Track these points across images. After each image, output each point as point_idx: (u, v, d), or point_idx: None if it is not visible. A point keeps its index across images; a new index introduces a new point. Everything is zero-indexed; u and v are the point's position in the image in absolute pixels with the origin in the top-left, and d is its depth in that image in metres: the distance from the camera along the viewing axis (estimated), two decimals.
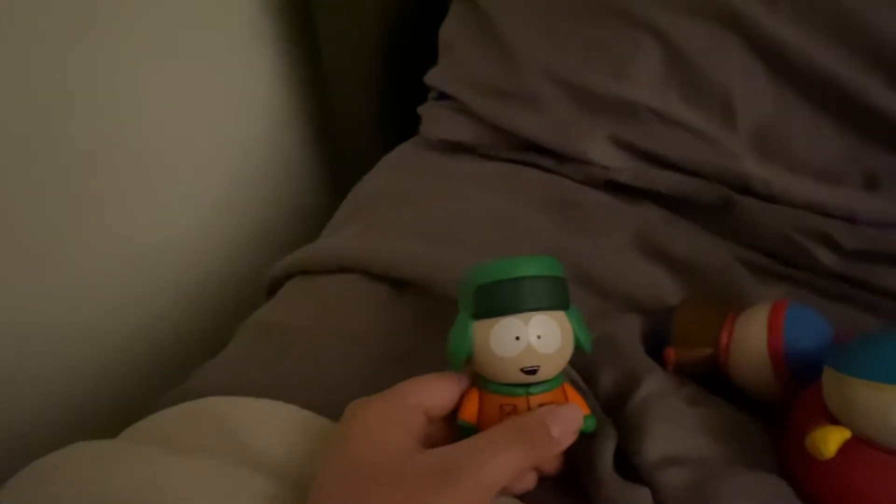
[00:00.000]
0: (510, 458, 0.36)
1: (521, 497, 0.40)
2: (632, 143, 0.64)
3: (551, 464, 0.41)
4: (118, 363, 0.78)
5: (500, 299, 0.39)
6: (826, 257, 0.53)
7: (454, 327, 0.40)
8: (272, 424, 0.45)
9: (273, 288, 0.65)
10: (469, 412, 0.40)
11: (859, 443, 0.38)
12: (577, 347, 0.40)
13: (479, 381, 0.41)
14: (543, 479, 0.41)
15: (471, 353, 0.39)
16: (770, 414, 0.44)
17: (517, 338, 0.38)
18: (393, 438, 0.37)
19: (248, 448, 0.43)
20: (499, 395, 0.40)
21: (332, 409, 0.44)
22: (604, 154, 0.65)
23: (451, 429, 0.42)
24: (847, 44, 0.59)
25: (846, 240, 0.53)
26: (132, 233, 0.77)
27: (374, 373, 0.49)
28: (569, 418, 0.38)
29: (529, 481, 0.40)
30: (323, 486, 0.37)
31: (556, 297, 0.40)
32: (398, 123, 0.84)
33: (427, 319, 0.53)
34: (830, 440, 0.37)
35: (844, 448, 0.37)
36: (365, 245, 0.60)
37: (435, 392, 0.41)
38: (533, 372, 0.38)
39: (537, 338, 0.38)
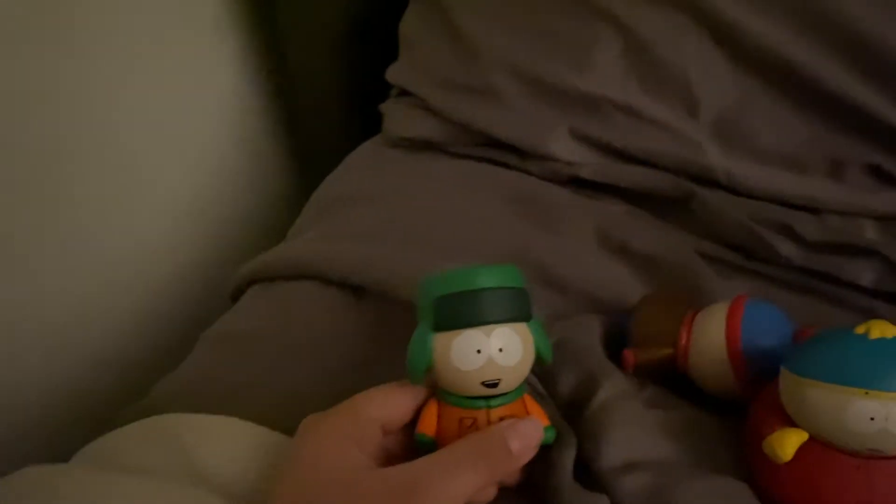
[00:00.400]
0: (470, 477, 0.35)
1: None
2: (594, 137, 0.63)
3: (511, 477, 0.40)
4: (89, 368, 0.76)
5: (460, 311, 0.38)
6: (788, 249, 0.53)
7: (413, 339, 0.39)
8: (226, 442, 0.44)
9: (236, 294, 0.64)
10: (427, 425, 0.39)
11: (817, 445, 0.37)
12: (538, 358, 0.40)
13: (439, 392, 0.40)
14: (503, 489, 0.40)
15: (430, 366, 0.38)
16: (733, 414, 0.44)
17: (478, 351, 0.37)
18: (346, 456, 0.36)
19: (200, 468, 0.42)
20: (458, 408, 0.39)
21: (289, 424, 0.43)
22: (565, 149, 0.64)
23: (409, 440, 0.41)
24: (807, 29, 0.58)
25: (809, 231, 0.53)
26: (101, 234, 0.75)
27: (332, 384, 0.47)
28: (529, 433, 0.37)
29: (489, 494, 0.39)
30: None
31: (518, 309, 0.39)
32: (365, 120, 0.83)
33: (386, 326, 0.52)
34: (787, 443, 0.37)
35: (802, 450, 0.37)
36: (323, 250, 0.59)
37: (390, 404, 0.40)
38: (494, 385, 0.38)
39: (499, 351, 0.37)
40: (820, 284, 0.51)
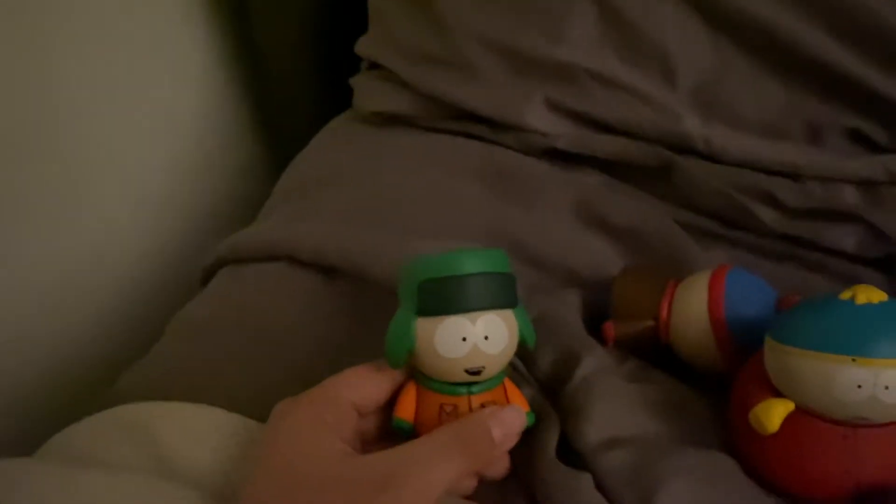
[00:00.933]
0: (451, 465, 0.34)
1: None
2: (570, 108, 0.62)
3: (494, 469, 0.39)
4: (56, 359, 0.74)
5: (446, 297, 0.36)
6: (768, 216, 0.52)
7: (394, 323, 0.38)
8: (194, 430, 0.42)
9: (206, 278, 0.62)
10: (405, 410, 0.38)
11: (803, 415, 0.36)
12: (522, 344, 0.39)
13: (418, 377, 0.38)
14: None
15: (411, 351, 0.37)
16: (716, 386, 0.43)
17: (464, 339, 0.36)
18: (322, 444, 0.35)
19: (168, 456, 0.41)
20: (439, 394, 0.38)
21: (260, 410, 0.42)
22: (541, 120, 0.62)
23: (384, 422, 0.40)
24: None
25: (789, 197, 0.52)
26: (63, 227, 0.73)
27: (304, 368, 0.46)
28: (511, 421, 0.36)
29: (469, 485, 0.38)
30: (250, 498, 0.34)
31: (504, 296, 0.38)
32: (337, 94, 0.81)
33: (360, 308, 0.51)
34: (773, 414, 0.36)
35: (788, 420, 0.36)
36: (292, 230, 0.57)
37: (366, 387, 0.38)
38: (477, 373, 0.37)
39: (484, 339, 0.36)
40: (801, 251, 0.50)
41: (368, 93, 0.72)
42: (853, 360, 0.34)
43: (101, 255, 0.77)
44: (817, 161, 0.55)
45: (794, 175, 0.55)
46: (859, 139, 0.57)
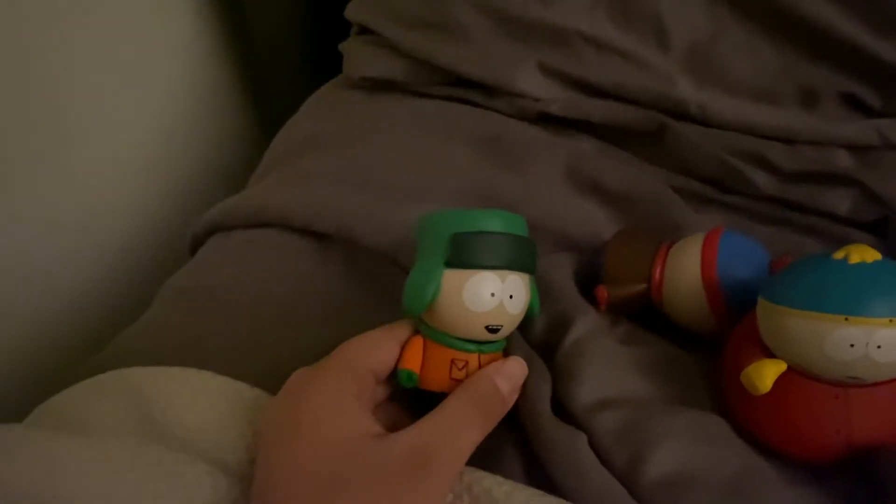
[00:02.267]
0: (475, 431, 0.35)
1: None
2: (562, 72, 0.61)
3: None
4: (44, 338, 0.74)
5: (481, 251, 0.37)
6: (762, 180, 0.51)
7: (417, 272, 0.38)
8: (184, 393, 0.42)
9: (195, 246, 0.61)
10: (413, 361, 0.38)
11: (796, 375, 0.36)
12: (528, 312, 0.40)
13: (428, 331, 0.38)
14: None
15: (434, 301, 0.37)
16: (708, 348, 0.43)
17: (492, 294, 0.37)
18: (352, 422, 0.34)
19: (161, 421, 0.41)
20: (451, 349, 0.38)
21: (253, 376, 0.42)
22: (533, 84, 0.62)
23: (392, 386, 0.40)
24: None
25: (783, 161, 0.51)
26: (48, 198, 0.72)
27: (297, 335, 0.46)
28: (515, 373, 0.37)
29: None
30: (279, 485, 0.33)
31: (530, 260, 0.39)
32: (327, 60, 0.80)
33: (352, 273, 0.50)
34: (766, 374, 0.36)
35: (780, 381, 0.36)
36: (284, 196, 0.56)
37: (382, 352, 0.38)
38: (496, 331, 0.37)
39: (510, 297, 0.37)
40: (794, 215, 0.50)
41: (358, 58, 0.71)
42: (846, 319, 0.34)
43: (86, 225, 0.76)
44: (811, 125, 0.55)
45: (787, 140, 0.55)
46: (853, 103, 0.56)
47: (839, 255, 0.36)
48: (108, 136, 0.78)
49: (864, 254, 0.35)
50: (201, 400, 0.41)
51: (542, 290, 0.45)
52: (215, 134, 0.95)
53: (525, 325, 0.44)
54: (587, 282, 0.46)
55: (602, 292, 0.44)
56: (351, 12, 0.73)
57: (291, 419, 0.34)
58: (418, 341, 0.38)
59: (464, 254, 0.37)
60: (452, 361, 0.38)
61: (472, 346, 0.38)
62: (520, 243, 0.38)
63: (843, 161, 0.54)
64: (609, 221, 0.53)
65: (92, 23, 0.73)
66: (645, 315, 0.45)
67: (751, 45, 0.58)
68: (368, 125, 0.65)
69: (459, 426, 0.34)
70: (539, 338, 0.43)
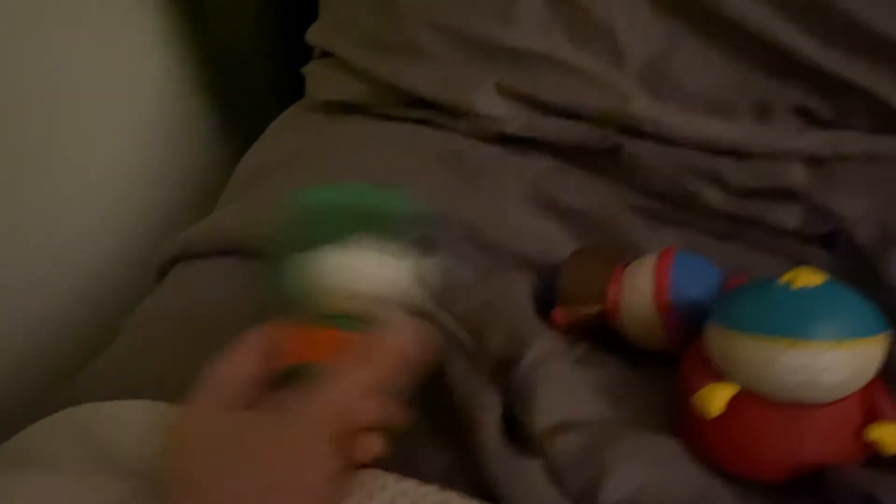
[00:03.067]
0: (356, 372, 0.35)
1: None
2: (521, 92, 0.61)
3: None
4: (10, 369, 0.73)
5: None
6: (714, 197, 0.52)
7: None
8: (134, 426, 0.42)
9: (161, 275, 0.61)
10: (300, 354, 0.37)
11: (747, 397, 0.36)
12: None
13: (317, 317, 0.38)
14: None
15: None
16: (665, 369, 0.43)
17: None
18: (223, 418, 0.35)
19: (109, 454, 0.41)
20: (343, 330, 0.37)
21: None
22: (493, 105, 0.62)
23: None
24: None
25: (734, 177, 0.52)
26: (15, 230, 0.71)
27: None
28: (405, 328, 0.37)
29: (375, 446, 0.37)
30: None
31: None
32: (294, 84, 0.80)
33: None
34: (716, 397, 0.36)
35: (732, 402, 0.36)
36: (242, 224, 0.56)
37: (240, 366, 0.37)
38: None
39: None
40: (747, 231, 0.51)
41: (321, 81, 0.71)
42: (792, 342, 0.34)
43: (57, 255, 0.76)
44: (766, 138, 0.56)
45: (742, 153, 0.56)
46: (806, 116, 0.57)
47: (785, 278, 0.36)
48: (80, 163, 0.77)
49: (809, 277, 0.36)
50: (156, 431, 0.41)
51: (499, 310, 0.45)
52: (188, 159, 0.94)
53: (481, 343, 0.44)
54: (545, 302, 0.47)
55: (559, 315, 0.45)
56: (312, 36, 0.73)
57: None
58: (296, 333, 0.38)
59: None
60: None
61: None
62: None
63: (798, 175, 0.55)
64: (567, 239, 0.53)
65: (66, 49, 0.73)
66: (602, 334, 0.45)
67: (705, 59, 0.59)
68: (330, 147, 0.65)
69: (338, 369, 0.34)
70: (496, 357, 0.43)
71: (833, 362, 0.34)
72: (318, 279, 0.37)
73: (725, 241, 0.51)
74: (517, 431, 0.40)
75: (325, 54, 0.72)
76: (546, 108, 0.61)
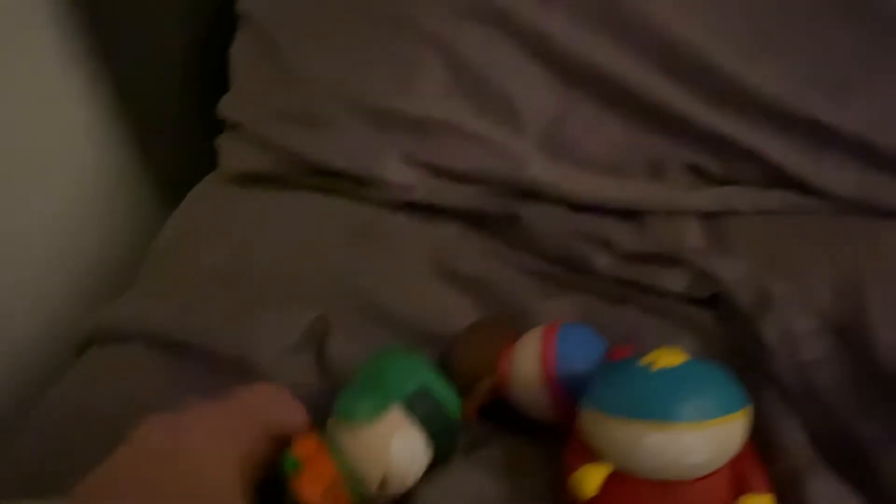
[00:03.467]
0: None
1: None
2: (424, 160, 0.62)
3: None
4: None
5: None
6: (602, 261, 0.53)
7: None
8: None
9: (80, 353, 0.61)
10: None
11: (620, 477, 0.37)
12: None
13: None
14: None
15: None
16: (559, 442, 0.44)
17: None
18: None
19: None
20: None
21: None
22: (398, 173, 0.63)
23: None
24: (617, 36, 0.59)
25: (622, 242, 0.53)
26: None
27: None
28: None
29: None
30: None
31: None
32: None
33: (209, 386, 0.50)
34: (589, 479, 0.37)
35: (608, 481, 0.37)
36: (143, 309, 0.56)
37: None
38: None
39: None
40: (635, 294, 0.52)
41: (232, 153, 0.71)
42: (654, 425, 0.35)
43: None
44: (659, 197, 0.57)
45: (637, 212, 0.57)
46: (699, 174, 0.59)
47: (647, 360, 0.37)
48: (5, 235, 0.76)
49: (669, 358, 0.37)
50: None
51: None
52: (116, 229, 0.93)
53: None
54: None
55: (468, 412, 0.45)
56: (223, 108, 0.73)
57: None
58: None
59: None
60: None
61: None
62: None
63: (693, 233, 0.56)
64: (468, 309, 0.54)
65: None
66: (495, 411, 0.46)
67: (598, 121, 0.60)
68: (238, 221, 0.66)
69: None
70: None
71: (694, 443, 0.35)
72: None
73: (619, 306, 0.52)
74: None
75: (237, 125, 0.73)
76: (450, 175, 0.62)
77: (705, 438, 0.35)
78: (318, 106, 0.65)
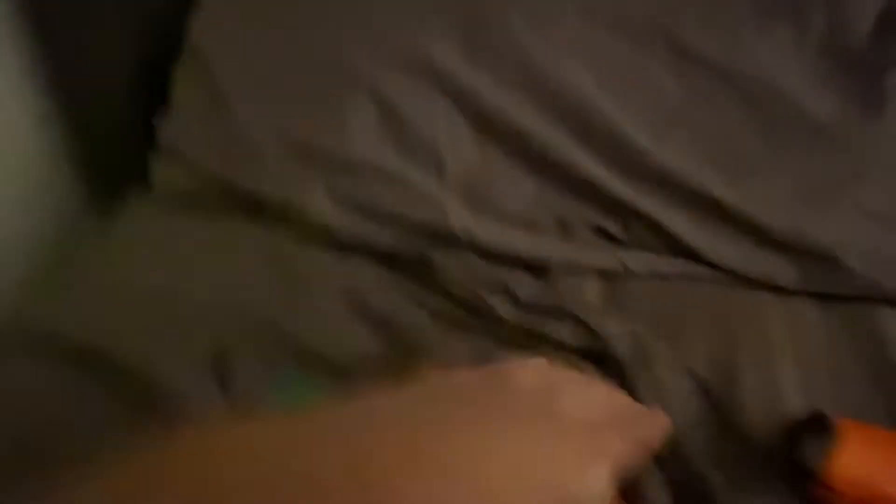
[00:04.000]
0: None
1: None
2: (349, 198, 0.65)
3: None
4: None
5: None
6: (503, 308, 0.56)
7: None
8: None
9: None
10: None
11: None
12: None
13: None
14: None
15: None
16: None
17: None
18: None
19: None
20: None
21: None
22: (322, 209, 0.65)
23: None
24: (536, 96, 0.63)
25: (523, 292, 0.56)
26: None
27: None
28: None
29: None
30: None
31: None
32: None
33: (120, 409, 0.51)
34: None
35: None
36: (57, 324, 0.57)
37: None
38: None
39: None
40: (531, 342, 0.55)
41: (163, 173, 0.73)
42: None
43: None
44: (564, 253, 0.61)
45: (545, 267, 0.61)
46: (602, 234, 0.62)
47: None
48: None
49: None
50: None
51: None
52: (43, 230, 0.93)
53: None
54: None
55: None
56: (160, 126, 0.75)
57: None
58: None
59: None
60: None
61: None
62: None
63: (592, 289, 0.60)
64: (377, 347, 0.56)
65: None
66: None
67: (515, 178, 0.63)
68: (166, 246, 0.67)
69: None
70: None
71: None
72: None
73: (514, 350, 0.55)
74: None
75: (171, 147, 0.74)
76: (371, 214, 0.64)
77: None
78: (253, 137, 0.67)
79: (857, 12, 0.64)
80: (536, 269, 0.61)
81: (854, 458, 0.41)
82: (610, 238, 0.62)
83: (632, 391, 0.49)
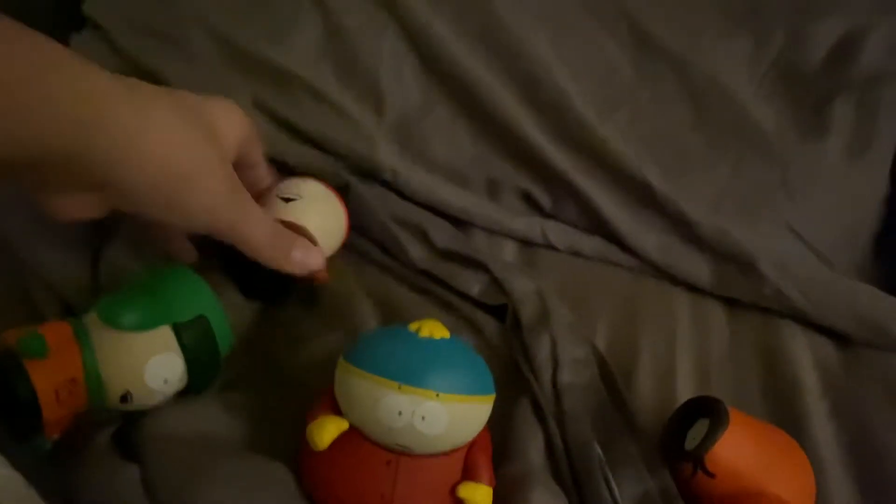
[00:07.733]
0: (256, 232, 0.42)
1: None
2: (275, 111, 0.61)
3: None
4: None
5: None
6: (416, 252, 0.53)
7: None
8: None
9: None
10: None
11: (355, 436, 0.37)
12: None
13: None
14: None
15: None
16: None
17: None
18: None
19: None
20: None
21: None
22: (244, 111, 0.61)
23: None
24: (491, 50, 0.60)
25: (439, 238, 0.54)
26: None
27: None
28: (311, 255, 0.45)
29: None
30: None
31: None
32: None
33: None
34: (325, 431, 0.36)
35: (339, 440, 0.36)
36: None
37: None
38: None
39: None
40: (436, 288, 0.52)
41: (83, 52, 0.67)
42: (399, 386, 0.35)
43: None
44: (487, 213, 0.59)
45: (466, 222, 0.58)
46: (529, 201, 0.60)
47: (413, 327, 0.38)
48: None
49: (434, 330, 0.37)
50: None
51: None
52: None
53: None
54: None
55: None
56: (88, 7, 0.69)
57: None
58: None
59: None
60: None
61: None
62: None
63: (508, 252, 0.58)
64: None
65: None
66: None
67: (452, 128, 0.61)
68: None
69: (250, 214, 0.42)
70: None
71: (432, 412, 0.35)
72: None
73: (416, 293, 0.52)
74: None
75: (97, 26, 0.69)
76: (295, 133, 0.61)
77: (444, 411, 0.35)
78: (186, 33, 0.63)
79: (815, 37, 0.65)
80: (457, 223, 0.59)
81: (741, 449, 0.40)
82: (536, 207, 0.60)
83: (525, 349, 0.47)
